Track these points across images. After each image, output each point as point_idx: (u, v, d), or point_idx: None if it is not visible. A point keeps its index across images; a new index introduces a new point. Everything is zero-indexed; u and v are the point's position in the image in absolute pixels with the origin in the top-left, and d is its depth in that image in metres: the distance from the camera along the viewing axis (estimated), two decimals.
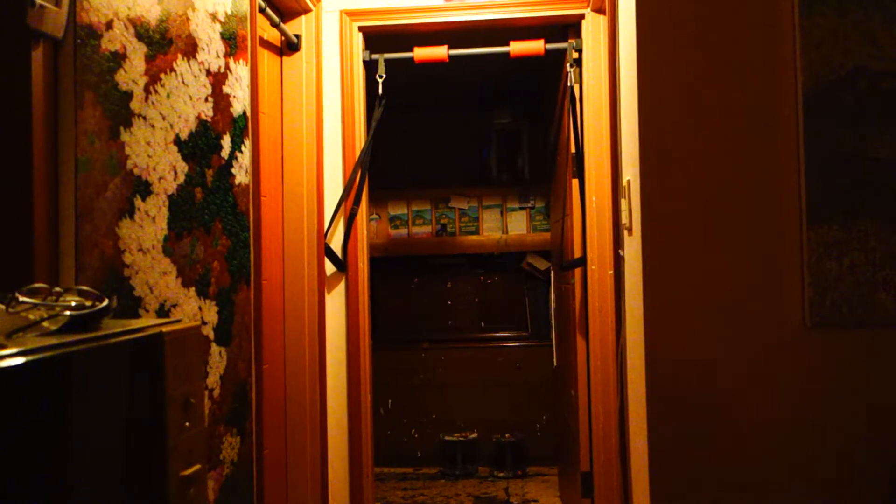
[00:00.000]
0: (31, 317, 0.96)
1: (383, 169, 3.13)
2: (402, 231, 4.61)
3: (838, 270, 1.54)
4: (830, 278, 1.54)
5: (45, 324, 0.96)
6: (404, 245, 4.58)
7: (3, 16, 1.19)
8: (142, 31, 1.49)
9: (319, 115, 2.73)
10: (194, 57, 1.73)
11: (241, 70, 1.99)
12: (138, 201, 1.47)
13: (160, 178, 1.56)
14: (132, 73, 1.45)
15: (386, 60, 2.92)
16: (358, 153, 2.82)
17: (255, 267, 2.05)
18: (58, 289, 1.02)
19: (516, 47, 2.90)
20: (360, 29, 2.83)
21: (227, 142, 1.90)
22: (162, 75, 1.57)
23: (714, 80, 1.58)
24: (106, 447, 0.98)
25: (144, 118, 1.50)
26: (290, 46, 2.67)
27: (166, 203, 1.58)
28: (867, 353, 1.55)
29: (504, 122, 4.61)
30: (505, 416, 4.33)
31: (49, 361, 0.85)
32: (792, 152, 1.55)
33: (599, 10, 2.67)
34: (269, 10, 2.36)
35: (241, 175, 1.98)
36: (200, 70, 1.76)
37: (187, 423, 1.11)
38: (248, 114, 2.04)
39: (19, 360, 0.80)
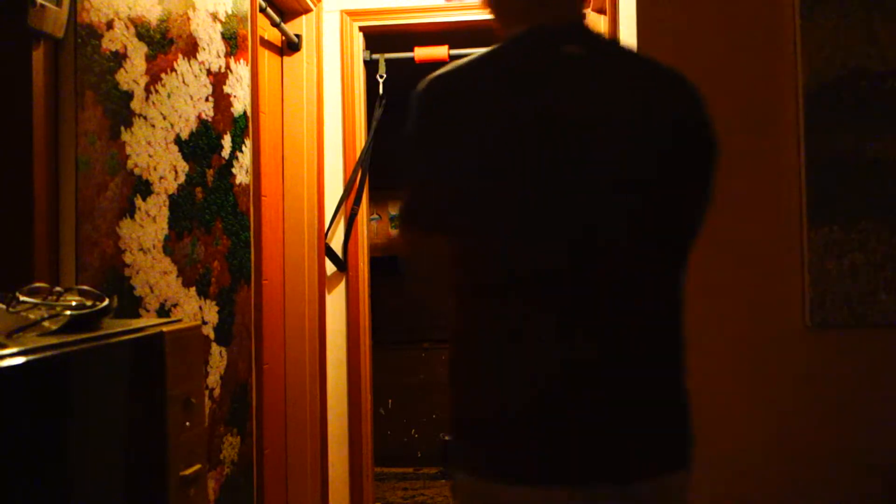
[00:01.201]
0: (32, 316, 0.96)
1: (384, 169, 3.12)
2: None
3: (839, 271, 1.54)
4: (831, 279, 1.54)
5: (46, 323, 0.96)
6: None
7: (4, 15, 1.19)
8: (142, 31, 1.49)
9: (320, 115, 2.73)
10: (195, 57, 1.73)
11: (241, 70, 1.99)
12: (139, 201, 1.47)
13: (161, 178, 1.56)
14: (133, 73, 1.45)
15: (386, 60, 2.92)
16: (358, 153, 2.82)
17: (255, 267, 2.05)
18: (58, 288, 1.02)
19: None
20: (361, 29, 2.83)
21: (227, 141, 1.90)
22: (162, 75, 1.57)
23: (715, 80, 1.58)
24: (106, 447, 0.98)
25: (145, 118, 1.49)
26: (290, 46, 2.67)
27: (167, 203, 1.58)
28: (868, 353, 1.55)
29: None
30: None
31: (50, 361, 0.85)
32: (793, 153, 1.55)
33: (600, 10, 2.67)
34: (269, 10, 2.36)
35: (241, 175, 1.98)
36: (201, 70, 1.76)
37: (187, 423, 1.11)
38: (249, 113, 2.04)
39: (20, 360, 0.80)
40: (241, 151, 1.98)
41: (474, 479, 0.97)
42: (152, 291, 1.52)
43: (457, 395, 1.01)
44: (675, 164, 1.01)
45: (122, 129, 1.42)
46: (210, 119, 1.80)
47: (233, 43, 1.94)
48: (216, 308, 1.82)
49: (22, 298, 0.97)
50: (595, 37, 1.14)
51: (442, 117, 1.01)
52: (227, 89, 1.90)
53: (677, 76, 1.08)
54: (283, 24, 2.57)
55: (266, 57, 2.52)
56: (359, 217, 2.83)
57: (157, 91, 1.54)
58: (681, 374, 1.09)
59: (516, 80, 0.99)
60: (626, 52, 1.17)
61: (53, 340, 0.90)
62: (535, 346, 0.95)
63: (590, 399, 0.95)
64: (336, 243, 2.80)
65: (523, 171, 0.96)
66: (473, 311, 1.00)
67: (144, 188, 1.49)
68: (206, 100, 1.78)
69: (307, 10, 2.69)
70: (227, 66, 1.91)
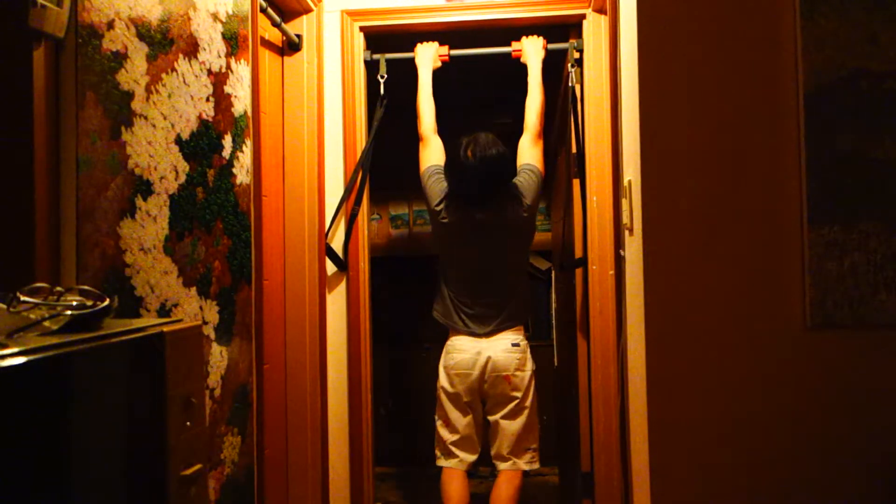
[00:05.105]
0: (33, 316, 0.96)
1: (384, 169, 3.12)
2: (404, 231, 4.61)
3: (839, 271, 1.54)
4: (831, 279, 1.54)
5: (47, 323, 0.96)
6: (406, 245, 4.58)
7: (5, 16, 1.19)
8: (143, 31, 1.49)
9: (321, 115, 2.73)
10: (195, 57, 1.73)
11: (242, 70, 1.99)
12: (139, 201, 1.47)
13: (161, 178, 1.56)
14: (133, 73, 1.46)
15: (387, 60, 2.92)
16: (359, 153, 2.82)
17: (256, 267, 2.05)
18: (59, 288, 1.02)
19: (518, 47, 2.90)
20: (362, 29, 2.83)
21: (228, 141, 1.90)
22: (163, 75, 1.57)
23: (715, 80, 1.58)
24: (106, 447, 0.98)
25: (146, 118, 1.50)
26: (291, 46, 2.67)
27: (167, 203, 1.58)
28: (868, 354, 1.55)
29: (505, 122, 4.59)
30: None
31: (50, 361, 0.86)
32: (793, 153, 1.55)
33: (601, 11, 2.67)
34: (270, 10, 2.36)
35: (242, 175, 1.98)
36: (202, 70, 1.76)
37: (188, 423, 1.12)
38: (250, 114, 2.04)
39: (21, 360, 0.81)
40: (242, 151, 1.99)
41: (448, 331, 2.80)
42: (153, 291, 1.52)
43: (436, 306, 2.86)
44: (518, 232, 2.75)
45: (123, 128, 1.42)
46: (211, 119, 1.80)
47: (233, 43, 1.95)
48: (217, 308, 1.82)
49: (23, 298, 0.97)
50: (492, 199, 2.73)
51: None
52: (227, 89, 1.90)
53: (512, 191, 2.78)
54: (283, 24, 2.58)
55: (267, 57, 2.52)
56: (359, 217, 2.83)
57: (157, 91, 1.54)
58: (520, 305, 2.75)
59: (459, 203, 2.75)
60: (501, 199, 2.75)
61: (54, 340, 0.90)
62: (456, 298, 2.77)
63: (474, 312, 2.73)
64: (336, 243, 2.80)
65: (458, 244, 2.76)
66: (441, 283, 2.82)
67: (145, 188, 1.49)
68: (207, 100, 1.78)
69: (308, 11, 2.69)
70: (228, 67, 1.91)
